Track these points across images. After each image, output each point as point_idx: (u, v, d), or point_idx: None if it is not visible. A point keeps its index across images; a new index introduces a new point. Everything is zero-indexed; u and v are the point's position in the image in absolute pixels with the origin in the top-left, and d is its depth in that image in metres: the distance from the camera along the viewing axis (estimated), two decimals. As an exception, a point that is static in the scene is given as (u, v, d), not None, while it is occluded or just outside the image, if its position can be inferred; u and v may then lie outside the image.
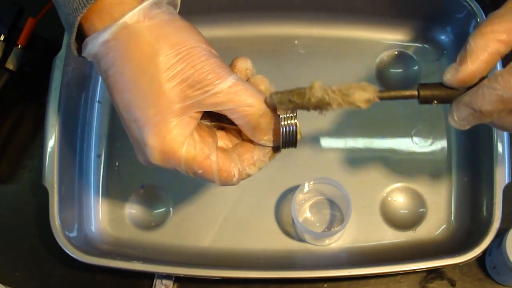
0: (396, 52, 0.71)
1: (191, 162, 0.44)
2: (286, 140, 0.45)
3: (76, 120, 0.68)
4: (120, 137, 0.70)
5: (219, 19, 0.71)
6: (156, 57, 0.42)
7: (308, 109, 0.44)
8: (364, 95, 0.44)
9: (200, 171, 0.44)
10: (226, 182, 0.46)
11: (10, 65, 0.68)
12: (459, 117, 0.44)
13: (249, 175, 0.47)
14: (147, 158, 0.44)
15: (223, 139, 0.48)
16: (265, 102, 0.44)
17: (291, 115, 0.44)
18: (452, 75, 0.43)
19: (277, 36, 0.72)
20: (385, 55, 0.71)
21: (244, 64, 0.47)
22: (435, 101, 0.44)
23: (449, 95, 0.44)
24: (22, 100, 0.74)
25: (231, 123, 0.46)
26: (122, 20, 0.42)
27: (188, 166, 0.44)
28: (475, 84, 0.43)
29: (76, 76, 0.66)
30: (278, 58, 0.71)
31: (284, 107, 0.44)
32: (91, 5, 0.42)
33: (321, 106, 0.44)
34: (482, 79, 0.43)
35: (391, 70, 0.71)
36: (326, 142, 0.68)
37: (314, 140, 0.68)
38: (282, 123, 0.44)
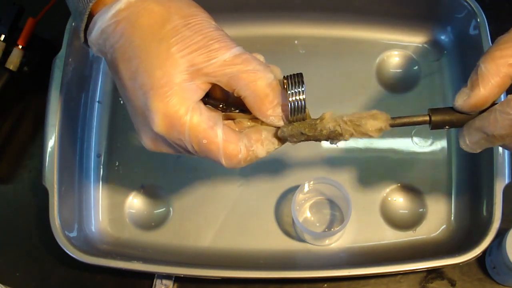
0: (396, 52, 0.71)
1: (195, 129, 0.42)
2: (294, 116, 0.43)
3: (76, 120, 0.68)
4: (120, 137, 0.70)
5: (219, 19, 0.70)
6: (167, 24, 0.42)
7: (320, 140, 0.44)
8: (376, 124, 0.44)
9: (204, 141, 0.42)
10: (231, 158, 0.43)
11: (10, 65, 0.69)
12: (471, 141, 0.44)
13: (257, 157, 0.45)
14: (152, 130, 0.43)
15: (232, 126, 0.46)
16: (276, 135, 0.44)
17: (299, 89, 0.43)
18: (464, 100, 0.43)
19: (277, 36, 0.72)
20: (385, 55, 0.71)
21: (257, 57, 0.47)
22: (447, 126, 0.44)
23: (460, 120, 0.44)
24: (22, 100, 0.74)
25: (240, 111, 0.45)
26: None
27: (192, 134, 0.42)
28: (486, 109, 0.43)
29: (76, 76, 0.66)
30: (278, 58, 0.70)
31: (296, 140, 0.44)
32: None
33: (333, 137, 0.44)
34: (493, 104, 0.42)
35: (391, 70, 0.71)
36: (326, 142, 0.68)
37: (314, 140, 0.68)
38: (290, 99, 0.43)
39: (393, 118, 0.45)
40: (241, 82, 0.43)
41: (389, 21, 0.70)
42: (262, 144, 0.45)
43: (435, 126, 0.44)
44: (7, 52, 0.69)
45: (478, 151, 0.45)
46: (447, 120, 0.44)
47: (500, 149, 0.59)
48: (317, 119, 0.44)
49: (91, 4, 0.43)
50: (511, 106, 0.40)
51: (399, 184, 0.66)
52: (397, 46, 0.71)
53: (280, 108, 0.44)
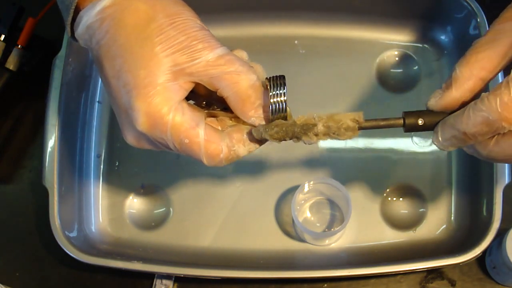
0: (396, 52, 0.71)
1: (177, 128, 0.43)
2: (275, 118, 0.44)
3: (76, 120, 0.68)
4: (120, 137, 0.69)
5: (219, 19, 0.71)
6: (151, 23, 0.42)
7: (294, 135, 0.44)
8: (350, 115, 0.44)
9: (186, 140, 0.43)
10: (213, 158, 0.44)
11: (10, 65, 0.69)
12: (443, 138, 0.44)
13: (238, 157, 0.45)
14: (135, 127, 0.43)
15: (214, 124, 0.47)
16: (250, 132, 0.44)
17: (281, 91, 0.43)
18: (436, 100, 0.44)
19: (277, 36, 0.72)
20: (385, 55, 0.71)
21: (239, 55, 0.47)
22: (421, 128, 0.45)
23: (433, 121, 0.45)
24: (22, 100, 0.74)
25: (223, 109, 0.46)
26: None
27: (174, 133, 0.43)
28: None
29: (76, 76, 0.66)
30: (278, 58, 0.71)
31: (269, 134, 0.44)
32: None
33: (306, 129, 0.44)
34: (467, 104, 0.43)
35: (391, 70, 0.71)
36: (326, 142, 0.68)
37: (314, 140, 0.68)
38: (271, 100, 0.43)
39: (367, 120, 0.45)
40: (223, 82, 0.43)
41: (389, 21, 0.70)
42: (243, 144, 0.45)
43: (409, 128, 0.45)
44: (7, 52, 0.69)
45: (450, 149, 0.45)
46: (420, 122, 0.45)
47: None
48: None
49: None
50: (484, 103, 0.41)
51: (399, 184, 0.66)
52: (397, 46, 0.71)
53: (261, 109, 0.45)
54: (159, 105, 0.42)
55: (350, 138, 0.45)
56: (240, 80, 0.43)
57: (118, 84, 0.43)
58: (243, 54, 0.48)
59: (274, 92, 0.43)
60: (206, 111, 0.46)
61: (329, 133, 0.44)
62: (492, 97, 0.40)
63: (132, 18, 0.43)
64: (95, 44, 0.44)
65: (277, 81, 0.44)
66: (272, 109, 0.44)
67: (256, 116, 0.45)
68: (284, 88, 0.44)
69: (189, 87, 0.44)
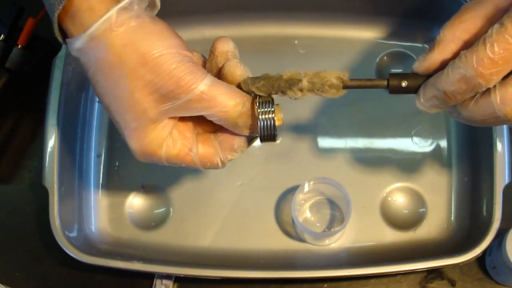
0: (396, 52, 0.71)
1: (172, 159, 0.45)
2: (265, 134, 0.45)
3: (76, 120, 0.68)
4: (120, 137, 0.69)
5: (219, 19, 0.71)
6: (125, 67, 0.42)
7: (279, 88, 0.45)
8: (335, 73, 0.45)
9: (183, 165, 0.46)
10: (210, 169, 0.47)
11: (10, 65, 0.68)
12: (425, 98, 0.44)
13: (231, 159, 0.48)
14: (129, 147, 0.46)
15: (204, 125, 0.48)
16: (239, 86, 0.45)
17: (269, 109, 0.45)
18: (420, 63, 0.44)
19: (277, 36, 0.72)
20: (385, 55, 0.71)
21: (225, 46, 0.46)
22: (404, 89, 0.45)
23: (417, 82, 0.45)
24: (22, 100, 0.74)
25: None
26: (90, 31, 0.42)
27: (170, 163, 0.46)
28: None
29: (76, 76, 0.66)
30: (278, 58, 0.71)
31: (258, 86, 0.44)
32: (64, 5, 0.42)
33: (291, 84, 0.44)
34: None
35: (391, 70, 0.71)
36: (325, 142, 0.68)
37: (314, 140, 0.68)
38: (260, 117, 0.45)
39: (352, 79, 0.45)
40: (210, 117, 0.44)
41: (389, 21, 0.70)
42: (235, 151, 0.47)
43: (393, 89, 0.45)
44: (7, 52, 0.69)
45: (433, 111, 0.45)
46: (404, 84, 0.45)
47: (500, 148, 0.59)
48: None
49: (55, 16, 0.43)
50: (462, 60, 0.41)
51: (399, 184, 0.66)
52: (397, 46, 0.71)
53: (251, 127, 0.46)
54: (150, 145, 0.44)
55: (334, 95, 0.45)
56: (227, 116, 0.44)
57: (111, 115, 0.45)
58: (229, 45, 0.47)
59: (262, 110, 0.45)
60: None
61: (313, 89, 0.45)
62: (469, 54, 0.40)
63: (106, 62, 0.42)
64: (85, 73, 0.45)
65: (266, 99, 0.45)
66: (260, 126, 0.45)
67: (246, 132, 0.46)
68: (272, 106, 0.45)
69: (177, 117, 0.45)
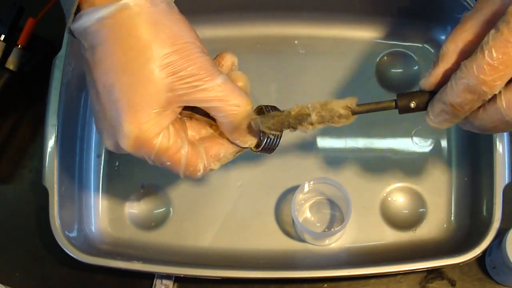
0: (396, 52, 0.71)
1: (162, 154, 0.44)
2: (268, 148, 0.47)
3: (76, 120, 0.68)
4: (120, 137, 0.70)
5: (219, 19, 0.71)
6: (153, 44, 0.41)
7: (289, 124, 0.45)
8: (342, 103, 0.44)
9: (168, 163, 0.45)
10: (189, 176, 0.46)
11: (10, 65, 0.68)
12: (434, 114, 0.44)
13: (212, 170, 0.47)
14: (118, 142, 0.43)
15: (191, 130, 0.48)
16: (250, 125, 0.45)
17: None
18: (426, 79, 0.44)
19: (277, 36, 0.71)
20: (385, 55, 0.71)
21: (231, 60, 0.48)
22: (413, 103, 0.45)
23: (425, 99, 0.44)
24: (22, 100, 0.74)
25: (203, 115, 0.46)
26: (124, 1, 0.41)
27: (158, 157, 0.44)
28: None
29: (76, 76, 0.66)
30: (278, 58, 0.71)
31: (268, 125, 0.45)
32: None
33: (301, 119, 0.44)
34: None
35: (391, 70, 0.71)
36: (326, 142, 0.68)
37: (314, 140, 0.68)
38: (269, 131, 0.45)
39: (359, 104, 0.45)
40: (219, 112, 0.44)
41: (389, 21, 0.70)
42: (219, 161, 0.47)
43: (403, 109, 0.45)
44: (7, 52, 0.69)
45: (445, 126, 0.44)
46: (413, 105, 0.45)
47: (500, 149, 0.59)
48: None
49: None
50: (463, 70, 0.40)
51: (399, 184, 0.66)
52: (397, 46, 0.71)
53: (249, 135, 0.46)
54: (149, 131, 0.42)
55: (345, 123, 0.45)
56: (237, 112, 0.44)
57: (107, 96, 0.42)
58: (235, 59, 0.48)
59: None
60: (186, 112, 0.47)
61: (323, 122, 0.45)
62: (469, 63, 0.40)
63: (132, 35, 0.41)
64: (89, 47, 0.43)
65: (269, 110, 0.46)
66: (267, 140, 0.46)
67: (242, 140, 0.47)
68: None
69: (180, 109, 0.44)
